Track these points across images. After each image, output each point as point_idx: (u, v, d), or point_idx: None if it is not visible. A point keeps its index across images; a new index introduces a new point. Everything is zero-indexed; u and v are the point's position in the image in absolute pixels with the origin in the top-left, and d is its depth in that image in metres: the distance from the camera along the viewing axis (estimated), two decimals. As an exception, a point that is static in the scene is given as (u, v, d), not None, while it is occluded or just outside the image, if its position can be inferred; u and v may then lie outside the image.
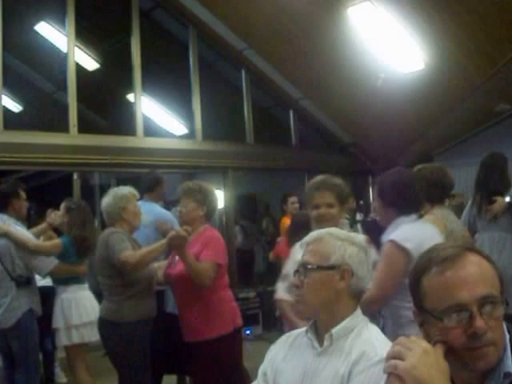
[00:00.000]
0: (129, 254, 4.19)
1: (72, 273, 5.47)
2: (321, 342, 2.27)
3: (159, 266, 4.58)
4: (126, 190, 4.64)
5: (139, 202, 6.50)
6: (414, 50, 8.39)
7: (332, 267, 2.27)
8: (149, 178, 6.74)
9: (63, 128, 8.13)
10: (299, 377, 2.25)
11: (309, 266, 2.28)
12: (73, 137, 8.15)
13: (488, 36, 7.86)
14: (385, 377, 1.48)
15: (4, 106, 7.88)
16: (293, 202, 8.13)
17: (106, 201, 4.53)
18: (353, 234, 2.51)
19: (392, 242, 3.20)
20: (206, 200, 4.39)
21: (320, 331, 2.29)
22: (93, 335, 5.24)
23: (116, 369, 4.42)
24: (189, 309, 4.27)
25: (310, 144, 11.57)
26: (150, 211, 6.23)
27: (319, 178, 3.74)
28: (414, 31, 8.04)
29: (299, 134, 11.25)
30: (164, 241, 4.16)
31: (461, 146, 10.79)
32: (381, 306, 3.41)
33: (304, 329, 2.36)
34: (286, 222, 7.64)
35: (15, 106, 9.43)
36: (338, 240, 2.32)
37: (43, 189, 9.50)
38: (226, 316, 4.26)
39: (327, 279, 2.26)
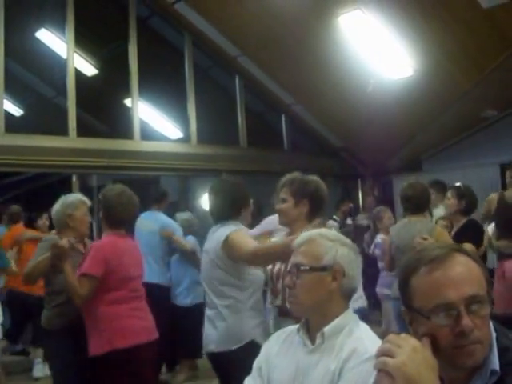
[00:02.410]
0: (28, 265, 4.12)
1: None
2: (312, 340, 2.29)
3: None
4: (74, 197, 4.54)
5: (147, 213, 7.14)
6: (403, 56, 8.49)
7: (324, 268, 2.30)
8: (157, 190, 7.52)
9: (63, 131, 8.20)
10: (292, 373, 2.27)
11: (301, 268, 2.30)
12: (72, 140, 8.22)
13: (475, 43, 7.99)
14: (375, 373, 1.50)
15: (5, 110, 7.95)
16: None
17: (55, 208, 4.41)
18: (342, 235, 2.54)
19: None
20: (102, 206, 4.20)
21: (311, 330, 2.32)
22: None
23: None
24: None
25: (301, 148, 11.68)
26: (156, 220, 6.87)
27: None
28: (403, 39, 8.15)
29: (291, 139, 11.34)
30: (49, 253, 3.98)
31: (448, 150, 10.85)
32: None
33: (296, 326, 2.39)
34: None
35: (16, 110, 9.44)
36: (329, 241, 2.35)
37: (43, 190, 9.62)
38: (102, 335, 3.90)
39: (319, 280, 2.29)
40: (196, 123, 9.74)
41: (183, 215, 7.50)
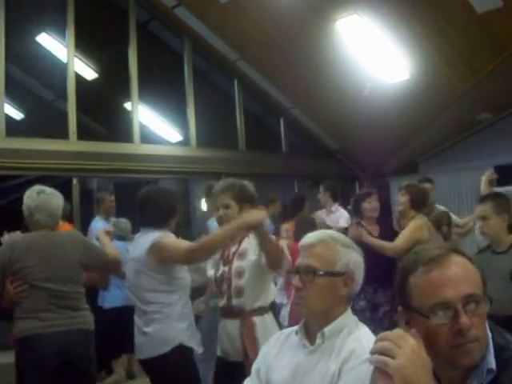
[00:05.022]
0: None
1: None
2: (311, 341, 2.29)
3: None
4: None
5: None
6: (399, 60, 8.57)
7: (338, 274, 2.29)
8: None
9: (63, 135, 8.24)
10: (291, 374, 2.27)
11: (318, 272, 2.26)
12: (72, 143, 8.26)
13: (470, 47, 8.08)
14: (371, 368, 1.48)
15: (6, 114, 7.98)
16: None
17: None
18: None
19: None
20: None
21: (311, 331, 2.31)
22: None
23: None
24: None
25: (299, 151, 11.72)
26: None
27: (223, 180, 3.94)
28: (399, 43, 8.24)
29: (289, 141, 11.38)
30: None
31: (444, 153, 10.94)
32: None
33: (294, 328, 2.39)
34: None
35: (17, 114, 9.35)
36: (343, 247, 2.34)
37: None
38: None
39: (333, 285, 2.28)
40: (195, 126, 9.79)
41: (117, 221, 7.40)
